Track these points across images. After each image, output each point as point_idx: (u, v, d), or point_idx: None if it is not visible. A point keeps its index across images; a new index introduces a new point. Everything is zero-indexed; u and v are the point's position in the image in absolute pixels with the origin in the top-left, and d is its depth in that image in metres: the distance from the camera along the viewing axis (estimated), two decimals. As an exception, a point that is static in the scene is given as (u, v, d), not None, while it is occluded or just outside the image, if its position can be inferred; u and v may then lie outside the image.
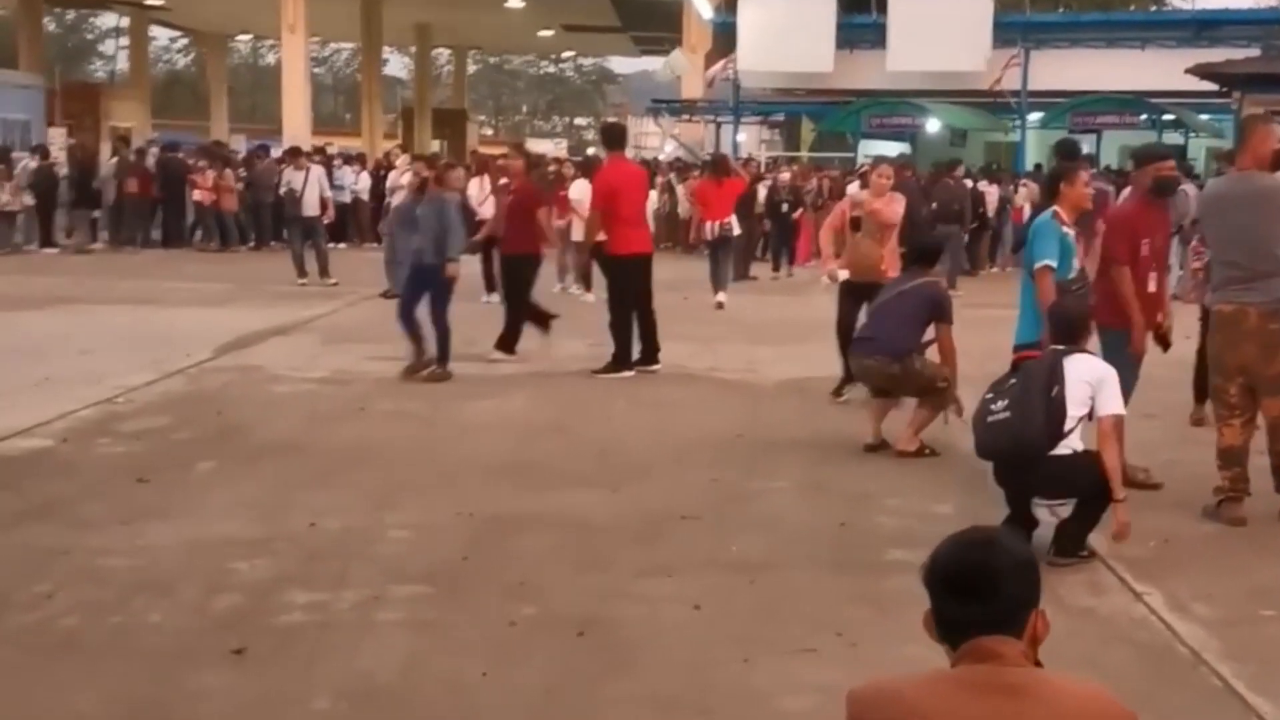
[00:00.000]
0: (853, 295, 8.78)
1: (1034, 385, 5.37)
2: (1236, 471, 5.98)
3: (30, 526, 5.76)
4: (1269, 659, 4.46)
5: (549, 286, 15.57)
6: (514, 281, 11.10)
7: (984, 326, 10.45)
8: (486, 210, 14.62)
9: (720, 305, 15.08)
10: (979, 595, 2.13)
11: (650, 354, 10.14)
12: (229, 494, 6.41)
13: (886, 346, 7.42)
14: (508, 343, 10.79)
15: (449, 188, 10.26)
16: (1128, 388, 6.59)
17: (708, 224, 15.71)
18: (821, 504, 6.40)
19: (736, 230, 15.82)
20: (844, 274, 8.82)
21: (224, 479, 6.73)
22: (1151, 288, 6.60)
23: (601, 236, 10.37)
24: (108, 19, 57.87)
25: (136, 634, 4.55)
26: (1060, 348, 5.50)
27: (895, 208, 8.85)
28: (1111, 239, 6.55)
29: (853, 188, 14.22)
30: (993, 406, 5.43)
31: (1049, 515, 5.77)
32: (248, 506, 6.17)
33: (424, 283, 9.80)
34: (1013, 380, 5.51)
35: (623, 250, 10.07)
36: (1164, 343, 6.82)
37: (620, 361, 10.03)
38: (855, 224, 8.80)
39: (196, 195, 21.34)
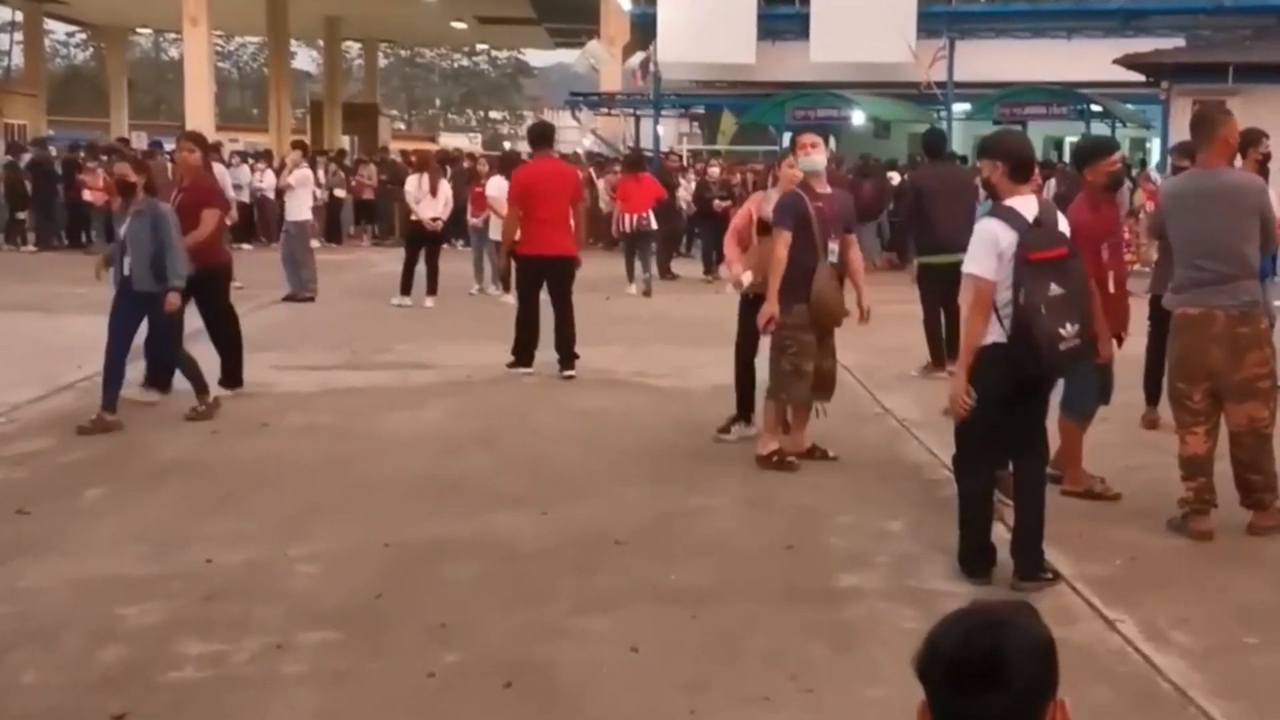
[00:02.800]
0: (750, 312, 7.39)
1: (1086, 300, 5.11)
2: (1202, 482, 5.66)
3: (-110, 570, 5.16)
4: (1258, 694, 4.13)
5: (466, 287, 15.08)
6: (204, 302, 8.81)
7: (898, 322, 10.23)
8: (426, 209, 14.08)
9: (640, 293, 15.54)
10: (991, 687, 1.76)
11: (566, 359, 9.82)
12: (120, 525, 5.84)
13: None
14: (233, 378, 8.95)
15: (161, 194, 8.33)
16: (1093, 392, 6.30)
17: (626, 217, 16.23)
18: (765, 523, 5.98)
19: (654, 224, 16.30)
20: (748, 277, 7.43)
21: (115, 507, 6.15)
22: (1112, 288, 6.26)
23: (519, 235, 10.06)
24: (1, 12, 55.98)
25: (8, 697, 4.01)
26: (1068, 241, 5.08)
27: None
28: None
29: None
30: (1062, 331, 4.90)
31: (1005, 532, 5.43)
32: (140, 539, 5.60)
33: (139, 313, 7.93)
34: (1060, 290, 4.91)
35: (531, 250, 9.82)
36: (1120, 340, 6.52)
37: (518, 355, 9.84)
38: (764, 227, 7.33)
39: (87, 195, 20.48)
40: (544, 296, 9.88)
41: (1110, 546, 5.58)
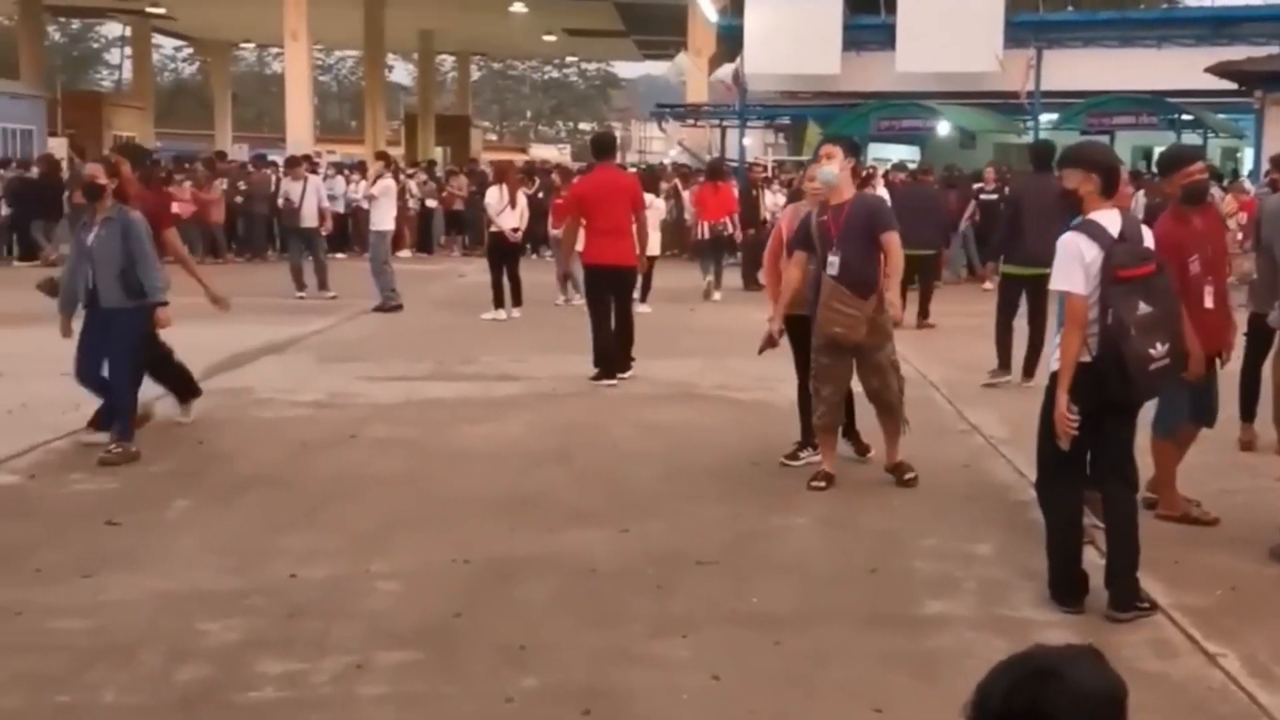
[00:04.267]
0: (798, 333, 7.15)
1: (1177, 318, 4.96)
2: (1306, 509, 5.44)
3: (-18, 580, 5.25)
4: (1369, 736, 3.93)
5: (552, 298, 15.11)
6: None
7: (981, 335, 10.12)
8: (507, 220, 14.14)
9: (707, 296, 16.25)
10: None
11: (623, 363, 10.13)
12: (204, 537, 5.89)
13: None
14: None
15: (131, 201, 7.54)
16: (1182, 410, 6.09)
17: (702, 224, 16.97)
18: (847, 545, 5.87)
19: (729, 230, 17.02)
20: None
21: (200, 519, 6.22)
22: (1209, 303, 6.03)
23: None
24: (113, 28, 57.64)
25: (85, 716, 4.04)
26: (1155, 256, 4.93)
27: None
28: None
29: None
30: (1152, 351, 4.75)
31: (1098, 557, 5.24)
32: (224, 553, 5.65)
33: (104, 332, 7.34)
34: (1148, 308, 4.76)
35: (589, 260, 10.15)
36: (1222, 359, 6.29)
37: (600, 366, 10.00)
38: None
39: (175, 208, 20.97)
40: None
41: (1209, 575, 5.38)
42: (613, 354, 10.03)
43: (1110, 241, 4.80)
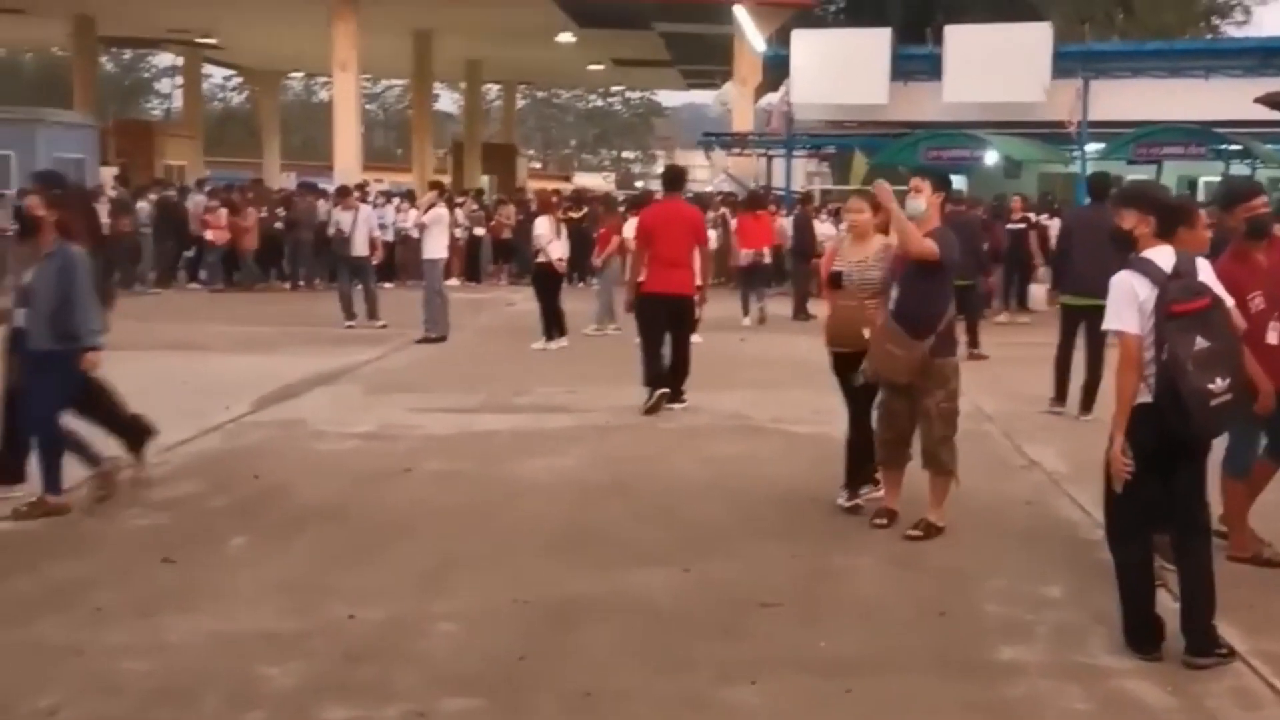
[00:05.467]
0: (845, 369, 7.01)
1: (1238, 352, 4.84)
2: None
3: (43, 619, 5.19)
4: None
5: (584, 325, 15.06)
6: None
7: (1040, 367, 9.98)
8: (555, 250, 14.16)
9: (755, 322, 16.75)
10: None
11: (674, 395, 10.18)
12: (262, 575, 5.84)
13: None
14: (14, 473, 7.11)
15: (75, 238, 6.95)
16: (1254, 447, 5.95)
17: (742, 252, 17.50)
18: (914, 586, 5.75)
19: (768, 259, 17.54)
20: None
21: (257, 556, 6.17)
22: (1272, 339, 5.90)
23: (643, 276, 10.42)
24: (164, 58, 58.46)
25: (149, 760, 3.99)
26: (1210, 291, 4.82)
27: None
28: None
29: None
30: (1211, 387, 4.63)
31: (1171, 600, 5.10)
32: (282, 591, 5.60)
33: (31, 379, 6.85)
34: (1206, 343, 4.65)
35: (647, 289, 10.18)
36: None
37: (651, 384, 10.08)
38: (835, 280, 7.03)
39: (209, 235, 21.36)
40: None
41: (1287, 619, 5.22)
42: (663, 377, 10.08)
43: (1164, 278, 4.72)
